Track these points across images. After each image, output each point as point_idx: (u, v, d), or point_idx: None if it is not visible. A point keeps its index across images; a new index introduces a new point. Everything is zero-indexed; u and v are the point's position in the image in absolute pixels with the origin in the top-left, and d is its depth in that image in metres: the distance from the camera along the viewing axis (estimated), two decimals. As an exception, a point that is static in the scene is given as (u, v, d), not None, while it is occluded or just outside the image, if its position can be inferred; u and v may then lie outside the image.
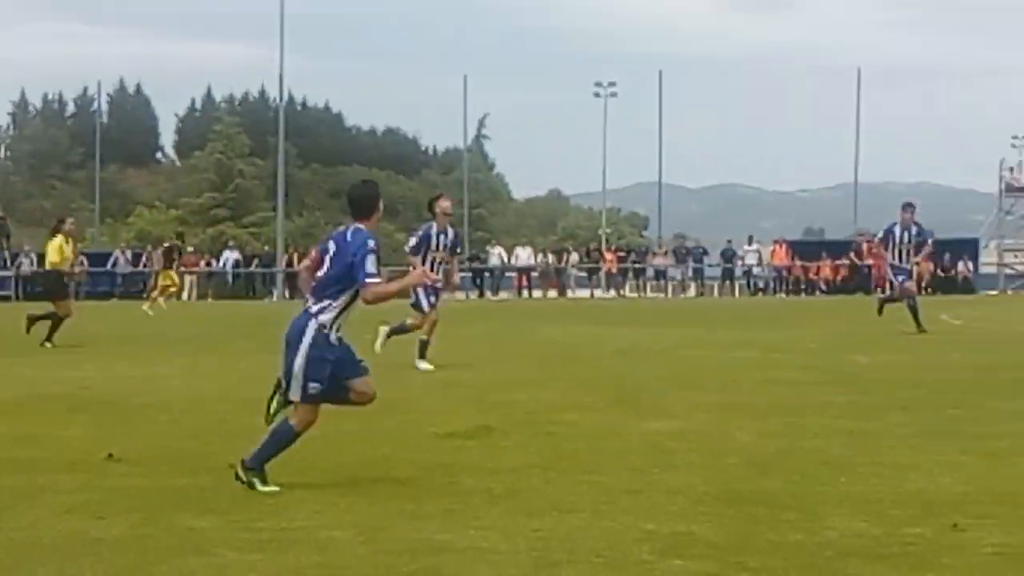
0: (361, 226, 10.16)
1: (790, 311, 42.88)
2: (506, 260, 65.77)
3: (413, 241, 20.73)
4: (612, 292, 64.11)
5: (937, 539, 8.08)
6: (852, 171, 75.03)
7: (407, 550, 7.82)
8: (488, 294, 63.77)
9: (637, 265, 66.70)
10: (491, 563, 7.50)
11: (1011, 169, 68.13)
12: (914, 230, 28.51)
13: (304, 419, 10.01)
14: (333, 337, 10.00)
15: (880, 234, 29.16)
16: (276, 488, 9.76)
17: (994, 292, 62.68)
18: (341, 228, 10.28)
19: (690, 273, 66.79)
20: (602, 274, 65.34)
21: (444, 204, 20.77)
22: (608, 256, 67.09)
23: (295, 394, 9.97)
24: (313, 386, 9.92)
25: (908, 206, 28.90)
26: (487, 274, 65.41)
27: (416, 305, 20.58)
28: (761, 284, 66.50)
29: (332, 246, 10.12)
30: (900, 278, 28.57)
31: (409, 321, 20.75)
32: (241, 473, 9.93)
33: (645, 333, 27.27)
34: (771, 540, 8.07)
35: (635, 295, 63.53)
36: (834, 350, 23.51)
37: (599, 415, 14.16)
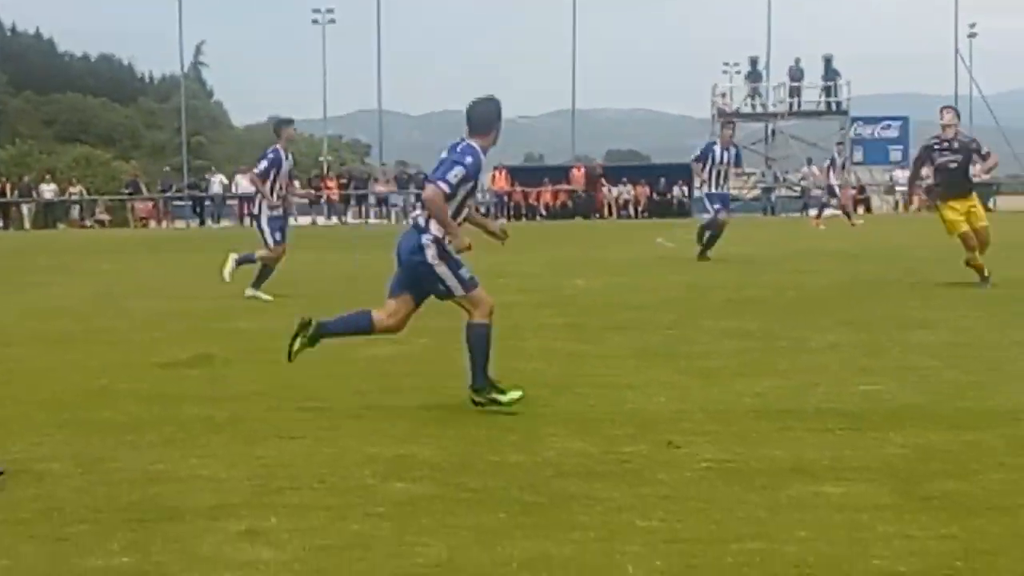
0: (473, 142, 10.20)
1: (510, 236, 43.19)
2: (227, 188, 64.96)
3: (263, 165, 20.29)
4: (334, 219, 63.82)
5: (653, 455, 8.29)
6: (570, 97, 75.80)
7: (126, 480, 7.73)
8: (209, 222, 62.98)
9: (360, 192, 66.51)
10: (213, 491, 7.45)
11: (723, 95, 69.62)
12: (733, 151, 27.35)
13: (482, 307, 10.17)
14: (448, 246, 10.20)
15: (697, 152, 27.65)
16: (518, 393, 9.94)
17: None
18: (458, 139, 10.34)
19: (412, 200, 66.84)
20: (323, 201, 64.97)
21: (290, 132, 20.55)
22: (330, 184, 66.74)
23: (458, 291, 10.17)
24: (464, 271, 10.14)
25: (729, 124, 28.26)
26: (208, 202, 64.57)
27: (265, 240, 20.32)
28: (483, 210, 66.90)
29: (443, 155, 10.21)
30: (716, 206, 27.39)
31: (259, 253, 20.37)
32: (478, 398, 9.98)
33: (368, 259, 27.19)
34: (492, 461, 8.18)
35: (358, 222, 63.39)
36: (553, 274, 23.82)
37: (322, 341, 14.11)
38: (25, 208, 64.08)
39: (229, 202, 64.74)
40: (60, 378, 11.81)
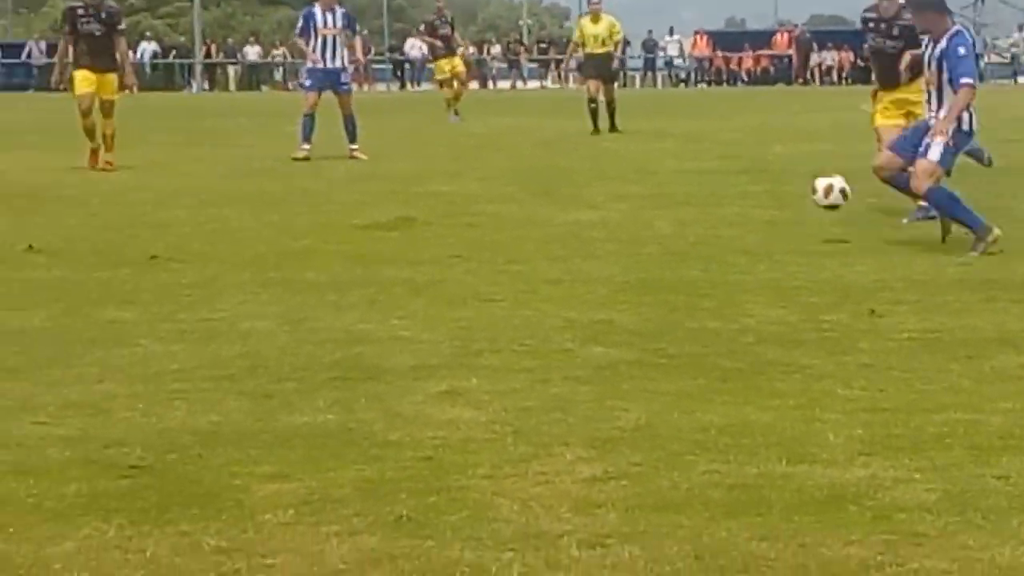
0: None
1: (711, 102, 42.81)
2: (426, 52, 65.08)
3: (299, 24, 20.91)
4: (534, 84, 63.67)
5: (854, 324, 8.20)
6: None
7: (329, 340, 7.86)
8: (409, 86, 63.24)
9: (559, 57, 66.22)
10: (413, 352, 7.54)
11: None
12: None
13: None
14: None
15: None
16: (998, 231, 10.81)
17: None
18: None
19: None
20: (523, 65, 64.82)
21: None
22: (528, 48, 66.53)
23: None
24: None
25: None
26: (407, 66, 64.79)
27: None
28: (683, 75, 66.30)
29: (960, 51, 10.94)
30: None
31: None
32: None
33: (566, 125, 27.16)
34: (690, 327, 8.16)
35: (557, 86, 63.22)
36: (753, 141, 23.57)
37: (520, 206, 14.19)
38: (231, 70, 64.97)
39: (428, 65, 64.89)
40: (263, 238, 12.01)
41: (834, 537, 4.67)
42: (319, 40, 20.73)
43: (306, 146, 20.18)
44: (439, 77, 31.47)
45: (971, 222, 10.86)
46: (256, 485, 5.26)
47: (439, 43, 30.97)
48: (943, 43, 11.01)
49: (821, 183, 11.90)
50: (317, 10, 20.88)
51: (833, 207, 11.74)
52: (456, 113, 30.04)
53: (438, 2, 31.92)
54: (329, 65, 20.77)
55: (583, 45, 26.27)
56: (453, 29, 31.25)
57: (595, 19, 26.08)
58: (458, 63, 31.09)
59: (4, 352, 7.54)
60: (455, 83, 30.94)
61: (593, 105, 25.48)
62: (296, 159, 19.76)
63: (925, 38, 11.54)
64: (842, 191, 11.79)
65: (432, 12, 32.24)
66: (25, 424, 6.13)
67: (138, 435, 5.94)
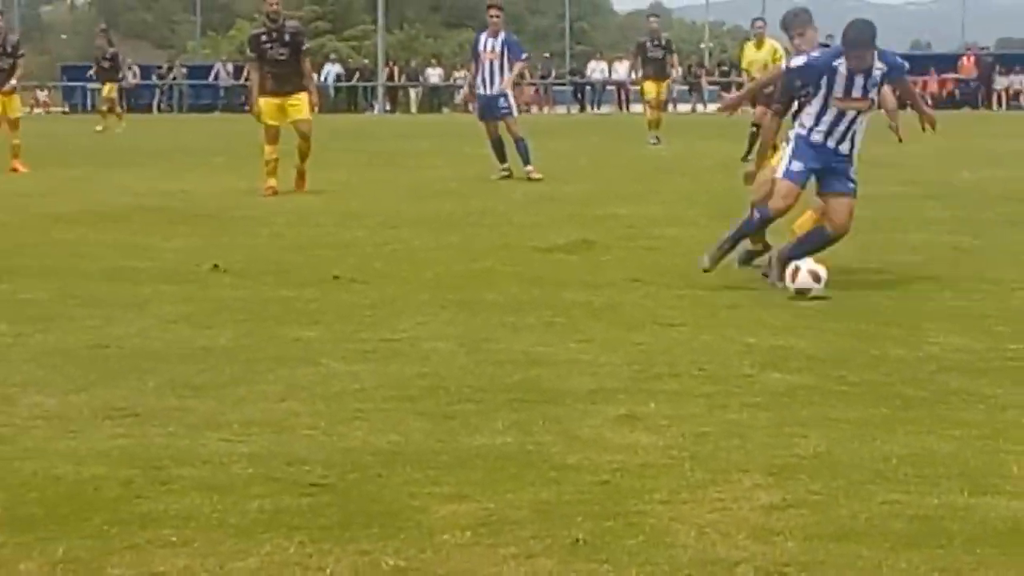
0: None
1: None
2: (607, 74, 65.17)
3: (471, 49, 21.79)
4: (714, 107, 63.40)
5: (1040, 354, 8.05)
6: (959, -17, 73.40)
7: (508, 361, 7.90)
8: (589, 108, 63.37)
9: (740, 80, 65.89)
10: (592, 375, 7.55)
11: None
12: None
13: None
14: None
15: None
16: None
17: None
18: None
19: (793, 87, 65.81)
20: (703, 88, 64.59)
21: (492, 11, 21.38)
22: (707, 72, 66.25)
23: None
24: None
25: None
26: (588, 88, 64.93)
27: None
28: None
29: None
30: None
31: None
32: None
33: (731, 148, 26.98)
34: (872, 354, 8.06)
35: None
36: (938, 166, 23.22)
37: (700, 229, 14.10)
38: (412, 92, 65.63)
39: (608, 87, 64.95)
40: (443, 259, 12.11)
41: (1017, 570, 4.59)
42: (483, 66, 21.01)
43: (501, 165, 20.61)
44: (647, 98, 31.28)
45: None
46: (435, 505, 5.30)
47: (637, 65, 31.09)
48: None
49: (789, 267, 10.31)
50: (483, 35, 21.19)
51: (803, 291, 10.02)
52: (657, 137, 29.96)
53: (652, 24, 31.96)
54: (487, 91, 21.02)
55: (747, 71, 26.04)
56: (670, 52, 31.04)
57: (759, 44, 25.81)
58: (664, 87, 31.09)
59: (190, 370, 7.69)
60: (657, 106, 30.85)
61: (753, 129, 25.14)
62: (493, 179, 20.29)
63: None
64: (811, 273, 10.06)
65: (644, 34, 32.09)
66: (211, 441, 6.25)
67: (320, 453, 6.03)
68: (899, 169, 21.57)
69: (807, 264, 10.10)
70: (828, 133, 10.39)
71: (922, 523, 5.07)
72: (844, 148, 10.43)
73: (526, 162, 20.58)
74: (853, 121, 10.42)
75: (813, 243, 10.44)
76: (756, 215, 10.71)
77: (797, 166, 10.44)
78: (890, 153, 24.16)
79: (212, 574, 4.63)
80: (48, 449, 6.14)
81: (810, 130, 10.42)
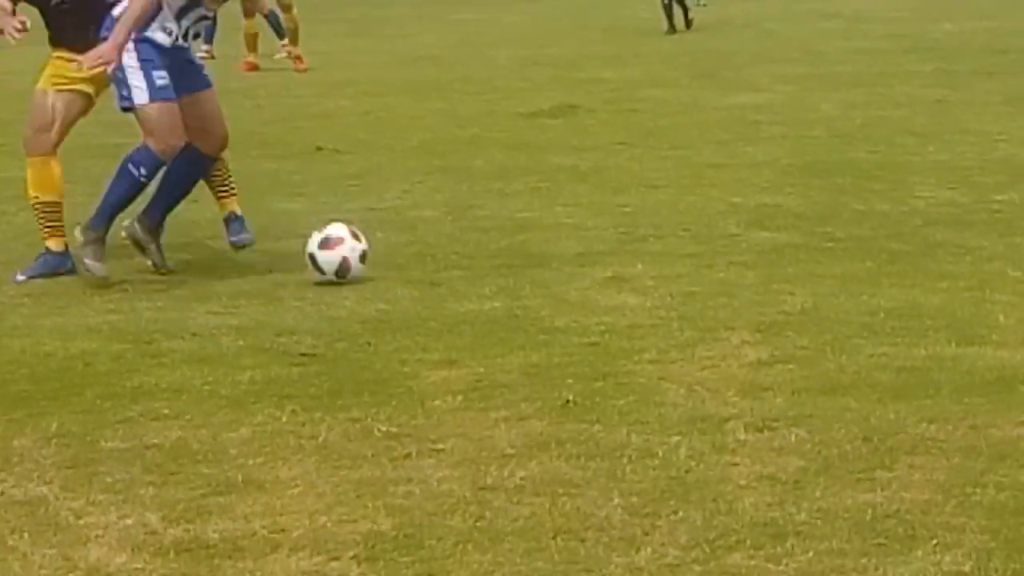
0: None
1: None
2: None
3: None
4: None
5: (1025, 205, 8.07)
6: None
7: (495, 227, 7.90)
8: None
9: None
10: (578, 238, 7.56)
11: None
12: None
13: None
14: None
15: None
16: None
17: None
18: None
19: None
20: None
21: None
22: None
23: None
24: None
25: None
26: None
27: None
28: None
29: None
30: None
31: None
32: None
33: (728, 6, 26.80)
34: (857, 210, 8.07)
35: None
36: (920, 18, 23.07)
37: (683, 90, 14.05)
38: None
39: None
40: (429, 126, 12.06)
41: (1005, 418, 4.63)
42: None
43: None
44: None
45: None
46: (425, 371, 5.33)
47: None
48: None
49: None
50: None
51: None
52: None
53: None
54: None
55: None
56: None
57: None
58: None
59: (176, 243, 7.66)
60: None
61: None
62: None
63: None
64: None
65: None
66: (200, 314, 6.27)
67: (308, 323, 6.05)
68: (881, 23, 21.48)
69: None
70: None
71: (910, 374, 5.11)
72: None
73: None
74: None
75: None
76: None
77: None
78: (872, 8, 24.10)
79: (205, 445, 4.66)
80: (36, 326, 6.17)
81: None
